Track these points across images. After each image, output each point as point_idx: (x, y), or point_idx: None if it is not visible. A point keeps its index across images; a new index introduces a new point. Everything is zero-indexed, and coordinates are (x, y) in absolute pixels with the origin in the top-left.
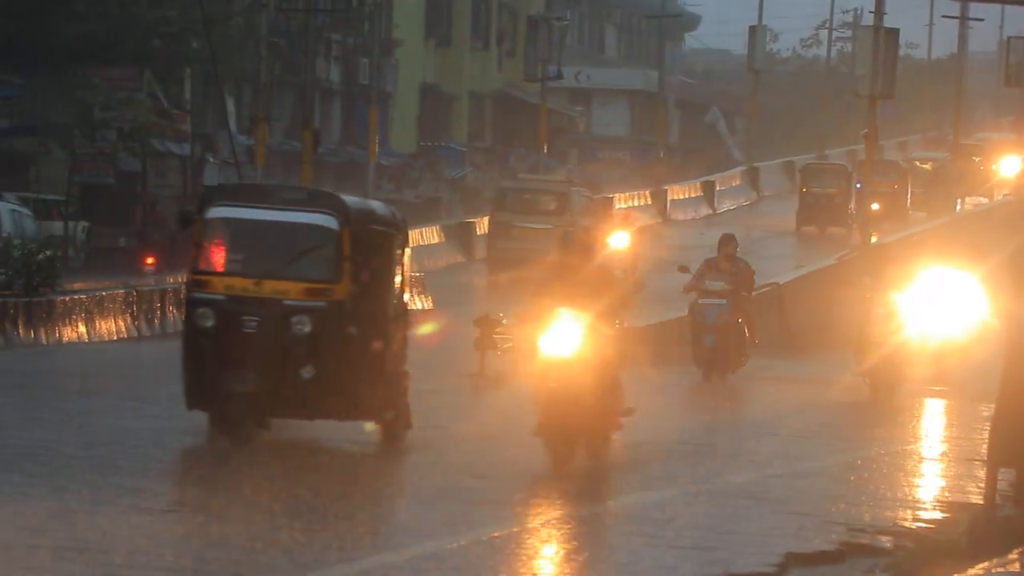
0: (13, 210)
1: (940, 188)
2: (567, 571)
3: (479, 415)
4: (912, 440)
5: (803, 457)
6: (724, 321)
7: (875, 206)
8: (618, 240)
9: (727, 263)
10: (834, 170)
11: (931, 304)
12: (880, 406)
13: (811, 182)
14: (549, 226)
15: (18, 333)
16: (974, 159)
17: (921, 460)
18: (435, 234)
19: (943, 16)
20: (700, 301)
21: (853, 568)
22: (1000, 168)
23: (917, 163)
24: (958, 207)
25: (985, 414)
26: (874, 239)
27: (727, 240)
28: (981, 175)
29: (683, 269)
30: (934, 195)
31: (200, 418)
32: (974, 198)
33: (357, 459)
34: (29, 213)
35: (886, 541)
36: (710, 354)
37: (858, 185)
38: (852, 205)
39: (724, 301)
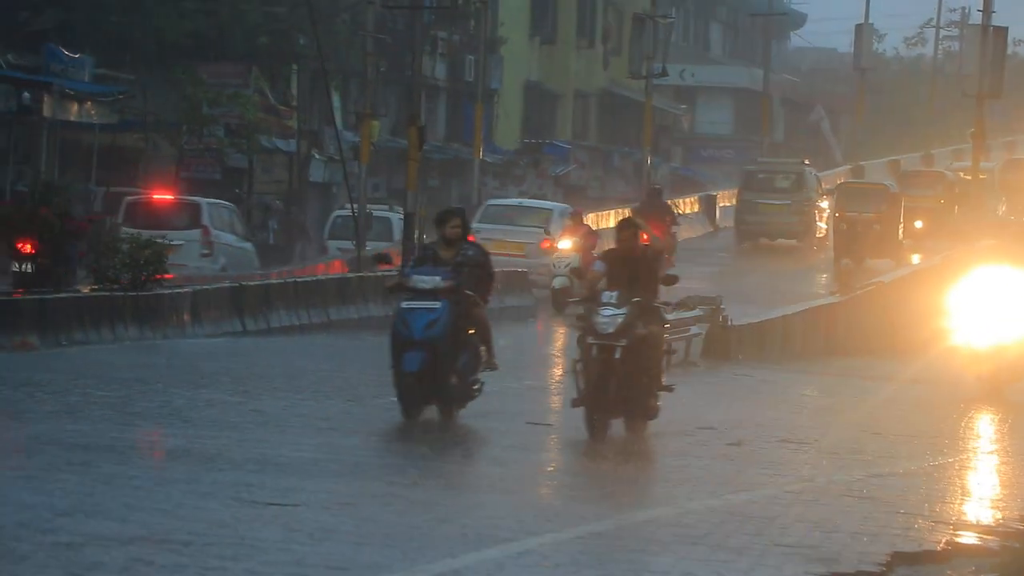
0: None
1: (971, 205)
2: (670, 569)
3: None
4: (1015, 440)
5: (908, 457)
6: (437, 334)
7: (919, 223)
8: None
9: (449, 250)
10: (876, 191)
11: (983, 304)
12: (982, 406)
13: (847, 206)
14: (788, 202)
15: (125, 327)
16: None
17: None
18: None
19: None
20: (404, 305)
21: (959, 568)
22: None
23: (962, 174)
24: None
25: None
26: (916, 258)
27: (447, 217)
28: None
29: (381, 262)
30: (961, 214)
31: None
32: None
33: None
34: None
35: (992, 541)
36: (413, 382)
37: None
38: (901, 230)
39: (438, 304)
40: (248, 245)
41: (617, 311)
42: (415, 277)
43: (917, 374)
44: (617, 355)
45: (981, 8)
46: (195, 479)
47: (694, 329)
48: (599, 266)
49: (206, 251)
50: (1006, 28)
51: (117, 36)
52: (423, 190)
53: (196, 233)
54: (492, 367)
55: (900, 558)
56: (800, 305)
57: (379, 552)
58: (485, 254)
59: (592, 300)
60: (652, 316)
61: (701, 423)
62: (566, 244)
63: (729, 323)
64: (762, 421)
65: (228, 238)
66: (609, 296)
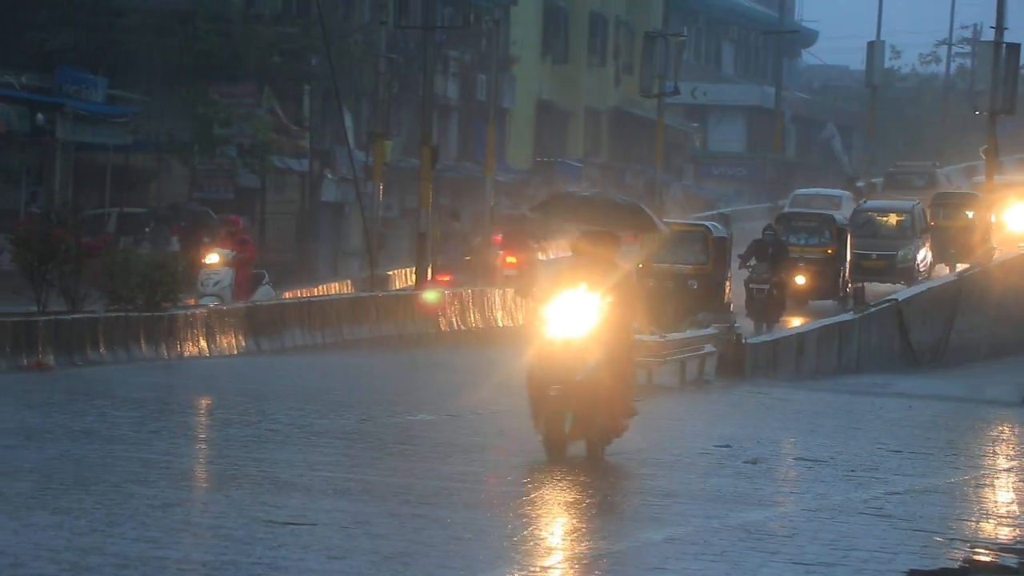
0: None
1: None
2: None
3: None
4: None
5: (925, 474)
6: None
7: (800, 279)
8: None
9: None
10: (695, 235)
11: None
12: (1011, 422)
13: (658, 254)
14: (917, 201)
15: (140, 347)
16: (966, 213)
17: None
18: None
19: None
20: None
21: None
22: (1008, 221)
23: (876, 216)
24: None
25: None
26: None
27: None
28: (977, 233)
29: None
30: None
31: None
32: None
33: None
34: None
35: (1010, 558)
36: None
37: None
38: (729, 288)
39: None
40: None
41: None
42: None
43: (934, 391)
44: None
45: (994, 25)
46: (212, 499)
47: (708, 347)
48: None
49: None
50: (1019, 45)
51: (130, 57)
52: (435, 209)
53: None
54: None
55: None
56: (815, 323)
57: (395, 571)
58: None
59: None
60: None
61: (717, 441)
62: (214, 258)
63: (744, 340)
64: (778, 439)
65: None
66: None
